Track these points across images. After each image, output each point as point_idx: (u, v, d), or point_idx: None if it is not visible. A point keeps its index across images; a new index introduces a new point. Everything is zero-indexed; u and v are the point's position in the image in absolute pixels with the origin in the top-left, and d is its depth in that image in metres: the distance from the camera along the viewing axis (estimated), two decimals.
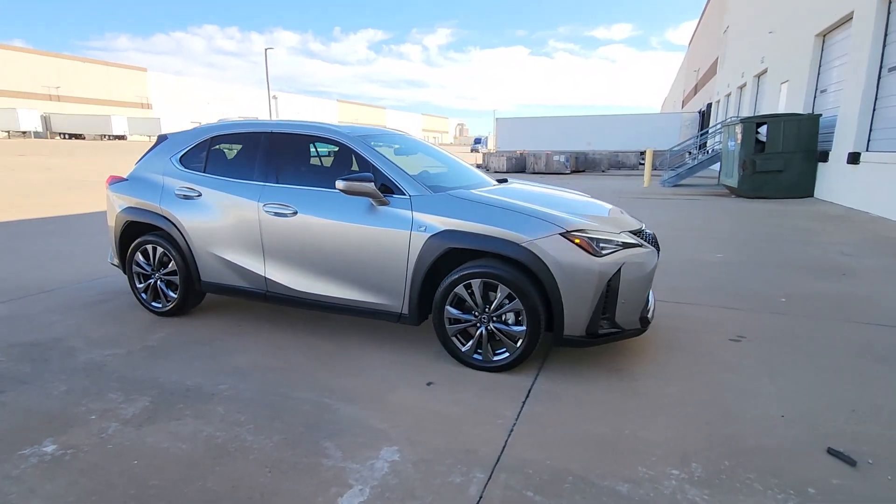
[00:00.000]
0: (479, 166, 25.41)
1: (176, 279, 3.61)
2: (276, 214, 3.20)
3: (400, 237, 2.90)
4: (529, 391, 2.65)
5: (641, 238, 3.04)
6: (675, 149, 19.33)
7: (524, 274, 2.69)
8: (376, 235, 2.95)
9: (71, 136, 53.26)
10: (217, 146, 3.60)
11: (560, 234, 2.66)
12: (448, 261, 2.88)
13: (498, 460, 2.07)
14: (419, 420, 2.38)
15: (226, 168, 3.51)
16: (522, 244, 2.66)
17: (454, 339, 2.91)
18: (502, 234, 2.70)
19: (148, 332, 3.43)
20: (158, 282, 3.69)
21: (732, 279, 4.85)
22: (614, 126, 31.38)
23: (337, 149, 3.41)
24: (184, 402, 2.53)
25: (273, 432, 2.27)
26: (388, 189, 3.03)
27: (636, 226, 3.12)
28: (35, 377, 2.77)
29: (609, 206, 3.51)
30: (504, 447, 2.16)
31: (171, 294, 3.66)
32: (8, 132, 48.68)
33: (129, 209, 3.71)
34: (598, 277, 2.62)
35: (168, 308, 3.67)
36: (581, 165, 25.22)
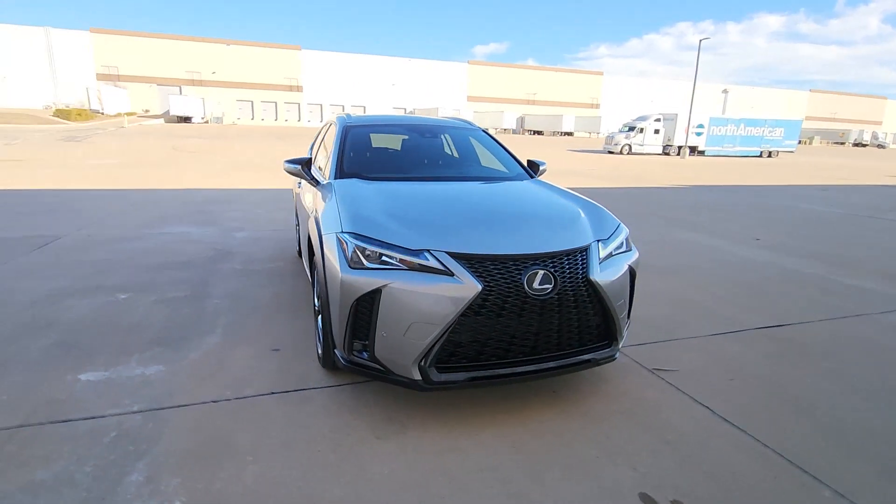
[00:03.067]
0: None
1: None
2: (301, 187, 3.97)
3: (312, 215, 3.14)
4: (300, 390, 2.51)
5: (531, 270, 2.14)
6: None
7: None
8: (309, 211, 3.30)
9: (535, 132, 66.64)
10: (321, 137, 4.62)
11: (337, 233, 2.30)
12: None
13: (158, 410, 2.30)
14: (208, 368, 2.74)
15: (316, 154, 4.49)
16: (322, 237, 2.47)
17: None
18: (322, 226, 2.57)
19: (271, 262, 4.93)
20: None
21: None
22: None
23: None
24: (185, 300, 3.77)
25: (163, 330, 3.19)
26: None
27: (531, 250, 2.18)
28: (186, 268, 4.66)
29: (585, 217, 2.49)
30: (181, 407, 2.34)
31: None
32: (495, 129, 65.82)
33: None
34: (341, 290, 2.16)
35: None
36: None
